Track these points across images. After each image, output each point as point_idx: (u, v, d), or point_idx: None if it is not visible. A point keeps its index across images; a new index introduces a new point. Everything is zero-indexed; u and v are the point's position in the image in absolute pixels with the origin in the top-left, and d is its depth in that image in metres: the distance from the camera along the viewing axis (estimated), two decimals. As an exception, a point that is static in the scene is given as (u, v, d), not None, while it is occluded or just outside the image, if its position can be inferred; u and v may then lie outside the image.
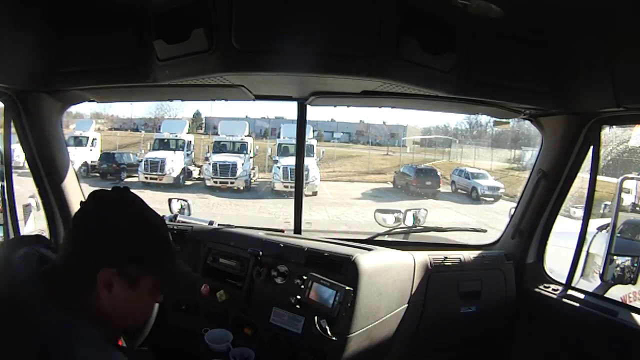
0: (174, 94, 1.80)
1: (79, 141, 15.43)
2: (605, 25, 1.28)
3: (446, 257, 1.82)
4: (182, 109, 27.61)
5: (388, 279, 1.59)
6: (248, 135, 16.43)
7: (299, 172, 2.04)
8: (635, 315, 1.53)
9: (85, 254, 0.76)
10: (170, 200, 2.33)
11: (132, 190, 0.84)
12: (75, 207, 1.94)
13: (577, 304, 1.70)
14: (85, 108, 25.78)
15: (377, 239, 2.09)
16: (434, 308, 1.76)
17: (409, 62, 1.30)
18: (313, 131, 20.10)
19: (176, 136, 15.80)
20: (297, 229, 2.07)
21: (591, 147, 1.67)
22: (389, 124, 25.92)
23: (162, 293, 0.86)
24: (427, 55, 1.30)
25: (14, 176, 1.70)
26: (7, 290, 0.73)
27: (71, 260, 0.77)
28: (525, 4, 1.26)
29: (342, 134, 27.12)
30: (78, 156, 13.96)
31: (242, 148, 15.32)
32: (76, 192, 1.94)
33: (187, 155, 15.60)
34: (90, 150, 15.73)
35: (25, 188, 2.18)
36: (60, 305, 0.70)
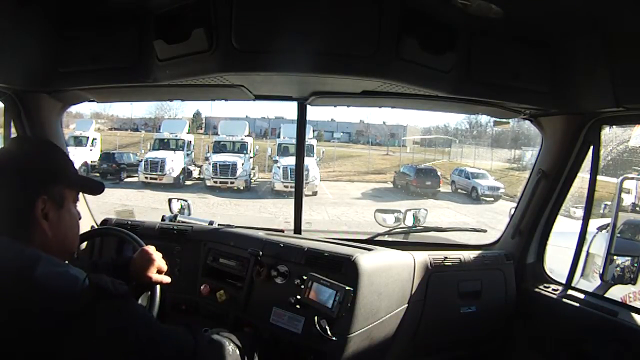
0: (174, 94, 1.80)
1: (79, 141, 15.45)
2: (605, 25, 1.28)
3: (446, 257, 1.82)
4: (182, 109, 27.81)
5: (388, 279, 1.59)
6: (248, 135, 16.46)
7: (299, 172, 2.04)
8: (635, 315, 1.52)
9: (19, 191, 0.86)
10: (170, 200, 2.32)
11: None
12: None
13: (577, 304, 1.69)
14: (85, 108, 25.93)
15: (377, 239, 2.09)
16: (434, 308, 1.76)
17: (409, 62, 1.30)
18: (313, 131, 20.14)
19: (176, 136, 15.82)
20: (297, 229, 2.07)
21: (591, 147, 1.67)
22: (389, 124, 26.04)
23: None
24: (427, 55, 1.30)
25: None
26: None
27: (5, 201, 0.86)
28: (525, 4, 1.26)
29: (342, 134, 27.16)
30: (78, 156, 13.96)
31: (242, 148, 15.34)
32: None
33: (187, 155, 15.62)
34: (90, 150, 15.76)
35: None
36: (12, 240, 0.82)
